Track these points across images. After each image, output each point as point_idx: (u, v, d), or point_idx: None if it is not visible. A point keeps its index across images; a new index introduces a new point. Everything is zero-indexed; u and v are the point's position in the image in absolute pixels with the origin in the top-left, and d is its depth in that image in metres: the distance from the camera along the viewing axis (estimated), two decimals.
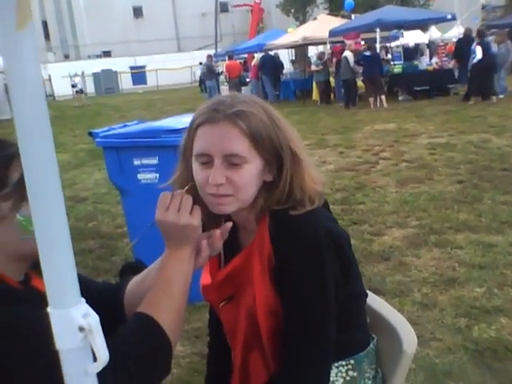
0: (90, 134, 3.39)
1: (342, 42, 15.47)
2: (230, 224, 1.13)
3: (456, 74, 13.71)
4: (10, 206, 0.96)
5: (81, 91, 25.91)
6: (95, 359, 0.69)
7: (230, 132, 1.06)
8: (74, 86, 26.97)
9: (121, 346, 0.90)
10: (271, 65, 17.10)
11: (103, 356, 0.68)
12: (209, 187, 1.07)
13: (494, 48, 12.00)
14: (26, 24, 0.58)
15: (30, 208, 0.65)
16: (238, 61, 19.75)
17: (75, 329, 0.65)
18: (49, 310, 0.66)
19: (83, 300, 0.69)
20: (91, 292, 1.19)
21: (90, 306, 0.70)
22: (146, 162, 3.17)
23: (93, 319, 0.67)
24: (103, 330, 0.83)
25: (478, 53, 11.66)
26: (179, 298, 1.02)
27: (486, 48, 11.75)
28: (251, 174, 1.08)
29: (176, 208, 1.03)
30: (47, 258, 0.64)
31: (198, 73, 23.11)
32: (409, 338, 1.32)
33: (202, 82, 25.19)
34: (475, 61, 11.74)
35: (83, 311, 0.67)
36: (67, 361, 0.68)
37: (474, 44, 11.83)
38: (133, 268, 1.29)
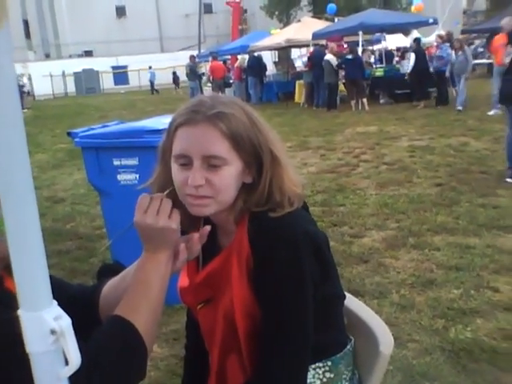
0: (69, 134, 3.35)
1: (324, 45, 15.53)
2: (208, 228, 1.12)
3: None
4: None
5: (27, 93, 24.69)
6: (67, 363, 0.68)
7: (210, 133, 1.05)
8: (21, 86, 23.79)
9: (95, 350, 0.89)
10: (257, 66, 17.10)
11: (75, 359, 0.67)
12: (188, 188, 1.06)
13: (452, 55, 11.61)
14: (2, 25, 0.57)
15: (2, 208, 0.63)
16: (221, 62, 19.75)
17: (47, 332, 0.65)
18: (19, 312, 0.65)
19: (55, 302, 0.68)
20: (65, 294, 1.17)
21: (63, 308, 0.69)
22: (125, 162, 3.14)
23: (64, 322, 0.66)
24: (77, 333, 0.82)
25: (412, 60, 12.57)
26: (156, 302, 1.02)
27: (419, 56, 12.50)
28: (231, 175, 1.08)
29: (155, 211, 1.02)
30: (18, 260, 0.63)
31: (183, 73, 23.11)
32: (386, 339, 1.33)
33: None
34: (410, 68, 12.62)
35: (55, 314, 0.66)
36: (38, 364, 0.67)
37: (449, 49, 11.94)
38: (111, 270, 1.28)
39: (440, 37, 12.74)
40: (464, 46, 11.75)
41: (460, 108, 10.99)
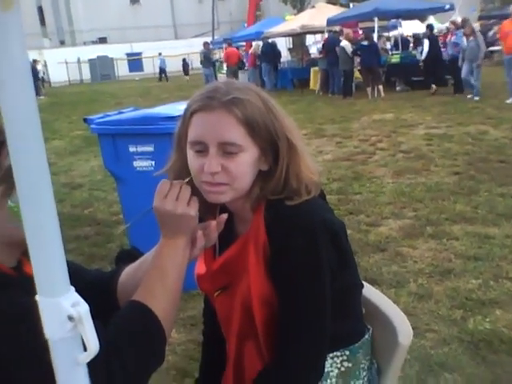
0: (85, 120, 3.36)
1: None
2: (225, 215, 1.12)
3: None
4: (1, 193, 0.94)
5: (42, 80, 24.60)
6: (85, 349, 0.68)
7: (226, 120, 1.04)
8: (37, 73, 23.71)
9: (114, 335, 0.90)
10: (271, 53, 16.98)
11: (93, 346, 0.66)
12: (204, 175, 1.05)
13: (464, 42, 11.30)
14: (12, 5, 0.56)
15: (18, 195, 0.62)
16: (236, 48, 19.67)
17: (64, 318, 0.64)
18: (37, 298, 0.65)
19: (72, 289, 0.67)
20: (83, 280, 1.17)
21: (82, 294, 0.68)
22: (141, 149, 3.14)
23: (82, 308, 0.65)
24: (95, 318, 0.81)
25: (425, 47, 12.41)
26: (174, 288, 1.02)
27: (433, 42, 12.41)
28: (247, 162, 1.07)
29: (174, 197, 1.02)
30: (36, 246, 0.63)
31: (197, 60, 23.04)
32: (404, 329, 1.31)
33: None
34: (424, 54, 12.47)
35: (72, 300, 0.65)
36: (57, 350, 0.66)
37: (461, 35, 11.64)
38: (129, 255, 1.29)
39: (453, 23, 12.50)
40: (475, 31, 11.31)
41: (476, 98, 10.79)
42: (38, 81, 22.64)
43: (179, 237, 1.04)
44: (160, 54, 30.92)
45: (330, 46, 14.27)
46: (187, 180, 1.08)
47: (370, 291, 1.42)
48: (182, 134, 1.11)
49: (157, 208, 1.03)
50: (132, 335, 0.93)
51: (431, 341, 2.61)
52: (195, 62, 28.68)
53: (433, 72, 12.49)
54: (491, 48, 18.35)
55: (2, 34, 0.57)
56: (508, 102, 9.88)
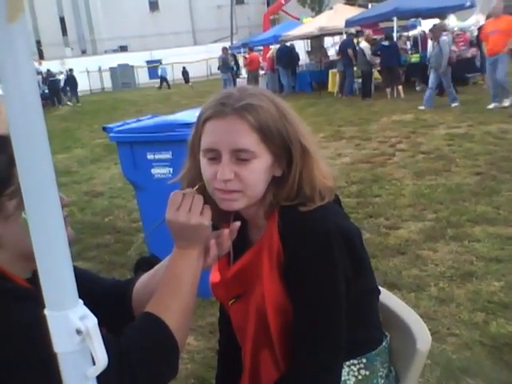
0: (104, 128, 3.39)
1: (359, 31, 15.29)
2: (238, 223, 1.11)
3: (478, 63, 13.42)
4: (16, 205, 0.96)
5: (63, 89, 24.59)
6: (95, 362, 0.68)
7: (238, 126, 1.03)
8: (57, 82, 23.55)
9: (127, 349, 0.90)
10: (288, 56, 16.97)
11: (101, 359, 0.67)
12: (217, 183, 1.05)
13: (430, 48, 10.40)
14: (18, 17, 0.57)
15: (26, 208, 0.63)
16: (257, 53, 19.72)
17: (72, 331, 0.64)
18: (45, 311, 0.65)
19: (81, 302, 0.67)
20: (99, 289, 1.19)
21: (97, 303, 0.69)
22: (159, 156, 3.16)
23: (90, 322, 0.66)
24: (110, 327, 0.82)
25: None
26: (187, 298, 1.02)
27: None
28: (260, 169, 1.06)
29: (187, 208, 1.02)
30: (43, 259, 0.63)
31: (215, 65, 23.30)
32: (422, 335, 1.29)
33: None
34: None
35: (80, 313, 0.65)
36: (65, 364, 0.67)
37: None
38: (147, 263, 1.30)
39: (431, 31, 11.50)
40: (440, 35, 10.40)
41: (454, 105, 10.01)
42: (59, 91, 23.07)
43: (193, 247, 1.05)
44: (161, 63, 31.52)
45: (343, 48, 14.37)
46: (197, 187, 1.08)
47: (387, 297, 1.40)
48: (195, 141, 1.11)
49: (170, 220, 1.03)
50: (144, 348, 0.93)
51: (453, 345, 2.56)
52: (213, 68, 28.89)
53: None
54: None
55: (7, 45, 0.58)
56: (490, 107, 9.33)
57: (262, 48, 21.80)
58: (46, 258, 0.63)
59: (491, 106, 9.35)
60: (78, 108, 21.04)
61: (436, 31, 10.59)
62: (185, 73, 30.63)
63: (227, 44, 24.89)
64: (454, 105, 10.16)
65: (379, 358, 1.24)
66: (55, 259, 0.63)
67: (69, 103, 23.25)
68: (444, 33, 11.28)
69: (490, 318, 2.77)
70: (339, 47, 15.00)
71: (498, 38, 9.16)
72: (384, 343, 1.26)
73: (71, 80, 23.90)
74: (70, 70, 24.35)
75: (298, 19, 23.73)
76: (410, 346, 1.29)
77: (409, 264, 3.54)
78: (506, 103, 9.31)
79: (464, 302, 2.95)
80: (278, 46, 17.71)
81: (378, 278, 1.25)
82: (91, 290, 1.03)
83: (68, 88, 24.08)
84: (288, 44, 17.75)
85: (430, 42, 12.02)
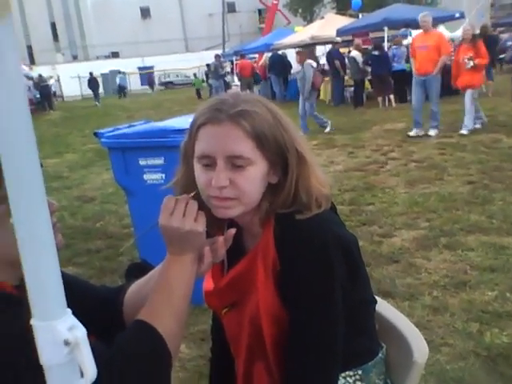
0: (96, 134, 3.36)
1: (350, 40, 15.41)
2: (233, 230, 1.09)
3: None
4: (4, 210, 0.92)
5: (55, 94, 25.63)
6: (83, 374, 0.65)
7: (234, 133, 1.01)
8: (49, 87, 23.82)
9: (118, 357, 0.87)
10: (280, 64, 17.04)
11: (90, 371, 0.63)
12: (212, 190, 1.03)
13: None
14: (4, 16, 0.54)
15: (12, 215, 0.60)
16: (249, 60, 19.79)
17: (60, 342, 0.61)
18: (32, 321, 0.62)
19: (69, 311, 0.64)
20: (88, 296, 1.15)
21: (88, 311, 0.65)
22: (151, 162, 3.14)
23: (79, 332, 0.63)
24: (101, 336, 0.79)
25: None
26: (180, 306, 0.99)
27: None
28: (256, 176, 1.04)
29: (181, 213, 1.00)
30: (30, 267, 0.60)
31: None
32: (420, 347, 1.27)
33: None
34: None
35: (69, 324, 0.62)
36: (52, 376, 0.64)
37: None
38: (139, 269, 1.27)
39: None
40: (305, 58, 9.62)
41: (327, 130, 9.59)
42: (50, 95, 23.04)
43: (186, 253, 1.02)
44: (119, 72, 31.83)
45: (329, 58, 14.52)
46: (193, 194, 1.05)
47: (383, 307, 1.37)
48: (188, 147, 1.09)
49: (163, 225, 1.00)
50: (136, 357, 0.91)
51: (447, 355, 2.54)
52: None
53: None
54: (503, 55, 18.24)
55: None
56: (411, 134, 8.46)
57: (255, 56, 21.88)
58: (32, 266, 0.60)
59: (412, 132, 8.47)
60: (70, 113, 20.97)
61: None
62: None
63: (219, 51, 24.97)
64: (327, 130, 9.74)
65: (375, 369, 1.21)
66: (43, 267, 0.60)
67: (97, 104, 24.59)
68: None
69: (484, 327, 2.76)
70: (326, 58, 15.11)
71: (427, 55, 8.13)
72: (380, 354, 1.23)
73: (93, 83, 25.63)
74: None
75: (290, 22, 24.00)
76: (406, 358, 1.26)
77: (402, 272, 3.53)
78: (432, 133, 8.41)
79: (458, 312, 2.94)
80: (270, 54, 17.77)
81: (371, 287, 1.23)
82: (81, 298, 1.00)
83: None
84: (280, 52, 17.81)
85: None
